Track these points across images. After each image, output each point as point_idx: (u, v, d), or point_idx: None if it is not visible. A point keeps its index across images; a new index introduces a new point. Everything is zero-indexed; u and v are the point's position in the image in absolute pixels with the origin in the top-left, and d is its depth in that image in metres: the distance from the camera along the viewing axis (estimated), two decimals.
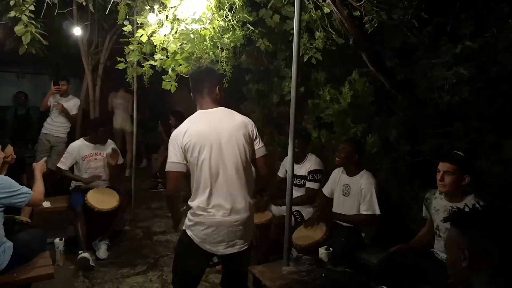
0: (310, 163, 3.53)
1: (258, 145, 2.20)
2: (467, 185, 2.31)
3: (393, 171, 3.26)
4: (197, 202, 2.04)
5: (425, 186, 2.74)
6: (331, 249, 2.70)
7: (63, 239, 3.43)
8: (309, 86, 4.27)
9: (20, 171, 3.96)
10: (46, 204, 3.81)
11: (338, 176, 3.24)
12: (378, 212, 2.93)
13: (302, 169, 3.54)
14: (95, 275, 3.30)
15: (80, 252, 3.42)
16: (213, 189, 2.03)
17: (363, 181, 2.99)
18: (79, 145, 3.91)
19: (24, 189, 2.46)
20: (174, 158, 2.04)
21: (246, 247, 2.12)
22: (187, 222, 2.12)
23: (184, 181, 2.11)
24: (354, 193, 3.04)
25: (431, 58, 2.66)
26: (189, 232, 2.09)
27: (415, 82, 2.87)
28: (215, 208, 2.02)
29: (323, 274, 0.68)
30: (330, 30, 2.65)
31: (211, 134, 2.04)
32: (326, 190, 3.35)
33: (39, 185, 2.65)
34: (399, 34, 2.85)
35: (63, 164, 3.87)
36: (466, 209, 1.53)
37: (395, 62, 3.14)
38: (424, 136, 3.03)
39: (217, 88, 2.16)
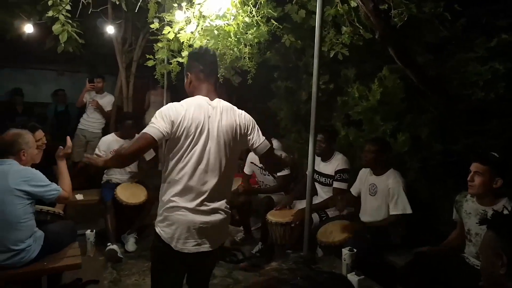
0: (337, 162, 3.45)
1: (258, 141, 2.01)
2: (499, 188, 2.18)
3: (424, 171, 3.14)
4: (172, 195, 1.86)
5: (458, 187, 2.61)
6: (355, 250, 2.63)
7: (94, 231, 3.55)
8: (338, 83, 4.18)
9: (53, 162, 4.14)
10: (79, 196, 3.96)
11: (365, 175, 3.16)
12: (409, 211, 2.83)
13: (328, 168, 3.47)
14: (123, 267, 3.39)
15: (108, 244, 3.53)
16: (193, 184, 1.84)
17: (391, 181, 2.89)
18: (110, 140, 4.04)
19: (54, 186, 2.53)
20: (158, 125, 1.79)
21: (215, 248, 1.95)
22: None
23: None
24: (380, 192, 2.95)
25: (465, 52, 2.53)
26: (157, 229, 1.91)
27: (447, 78, 2.73)
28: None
29: (304, 275, 0.64)
30: (357, 24, 2.57)
31: (210, 126, 1.86)
32: (354, 190, 3.28)
33: (65, 182, 2.63)
34: (431, 28, 2.73)
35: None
36: (505, 212, 1.43)
37: (427, 58, 3.01)
38: (457, 134, 2.89)
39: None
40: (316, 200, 3.53)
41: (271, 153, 2.07)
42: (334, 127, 3.83)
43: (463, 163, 2.49)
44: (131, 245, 3.70)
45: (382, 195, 2.94)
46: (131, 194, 3.76)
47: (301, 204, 3.55)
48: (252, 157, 4.02)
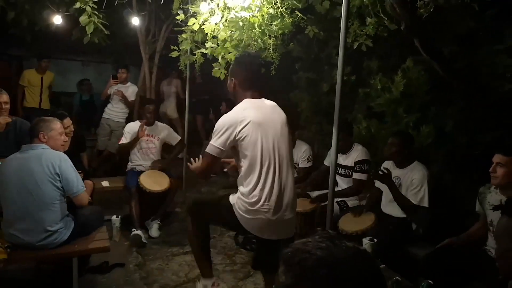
0: (357, 153, 3.46)
1: None
2: None
3: (449, 163, 3.11)
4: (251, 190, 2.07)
5: (483, 180, 2.59)
6: (375, 240, 2.65)
7: (120, 216, 3.66)
8: (361, 75, 4.16)
9: (80, 149, 4.29)
10: (105, 183, 4.09)
11: (388, 168, 3.15)
12: (425, 204, 2.83)
13: (348, 160, 3.48)
14: (147, 252, 3.51)
15: (133, 229, 3.64)
16: (267, 179, 2.05)
17: (416, 173, 2.89)
18: (134, 126, 4.15)
19: (81, 181, 2.65)
20: (218, 143, 2.04)
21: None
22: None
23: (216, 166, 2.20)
24: (404, 185, 2.94)
25: (493, 44, 2.48)
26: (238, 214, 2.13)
27: (474, 70, 2.70)
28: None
29: (324, 247, 0.69)
30: (382, 15, 2.56)
31: (268, 124, 2.06)
32: (378, 182, 3.27)
33: (88, 190, 2.83)
34: (458, 19, 2.68)
35: (123, 141, 4.12)
36: None
37: (453, 49, 2.97)
38: (483, 127, 2.85)
39: None
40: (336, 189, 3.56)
41: None
42: (347, 120, 3.82)
43: (489, 155, 2.47)
44: (154, 231, 3.82)
45: (405, 187, 2.93)
46: (154, 181, 3.86)
47: (315, 194, 3.59)
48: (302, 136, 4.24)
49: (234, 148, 2.09)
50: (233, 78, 2.15)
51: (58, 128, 2.72)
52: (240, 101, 2.14)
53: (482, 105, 2.78)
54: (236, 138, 2.01)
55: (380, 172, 3.00)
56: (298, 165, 3.99)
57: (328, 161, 3.78)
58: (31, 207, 2.43)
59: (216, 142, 2.03)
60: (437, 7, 2.34)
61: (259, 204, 2.05)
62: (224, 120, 2.06)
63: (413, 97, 3.28)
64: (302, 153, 3.99)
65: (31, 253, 2.50)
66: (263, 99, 2.16)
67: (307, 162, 3.96)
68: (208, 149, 2.05)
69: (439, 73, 2.82)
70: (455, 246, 2.51)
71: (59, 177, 2.50)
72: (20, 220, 2.44)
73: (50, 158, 2.49)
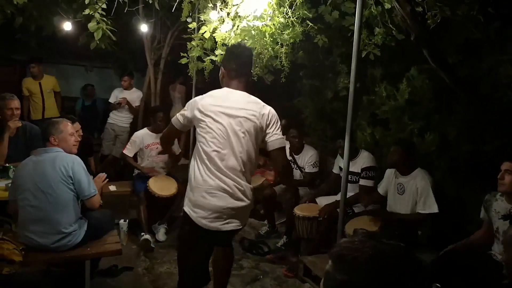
0: (364, 159, 3.53)
1: (273, 137, 2.15)
2: None
3: (452, 171, 3.18)
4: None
5: (486, 187, 2.66)
6: None
7: (127, 220, 3.71)
8: (364, 82, 4.24)
9: (88, 154, 4.33)
10: (112, 188, 4.14)
11: (392, 175, 3.22)
12: (436, 210, 2.89)
13: (355, 166, 3.55)
14: (155, 255, 3.55)
15: (142, 234, 3.68)
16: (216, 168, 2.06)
17: (419, 180, 2.95)
18: (143, 134, 4.19)
19: (93, 185, 2.68)
20: (179, 117, 2.20)
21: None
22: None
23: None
24: (408, 191, 3.00)
25: (497, 54, 2.57)
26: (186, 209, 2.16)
27: (479, 80, 2.78)
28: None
29: (370, 245, 0.78)
30: (391, 26, 2.64)
31: (230, 116, 2.07)
32: (381, 189, 3.34)
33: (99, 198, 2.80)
34: (462, 29, 2.77)
35: (129, 151, 4.16)
36: None
37: (458, 59, 3.05)
38: (486, 135, 2.93)
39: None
40: None
41: (281, 152, 2.21)
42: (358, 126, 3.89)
43: (491, 164, 2.54)
44: (161, 235, 3.86)
45: (410, 194, 2.99)
46: (162, 186, 3.91)
47: (326, 200, 3.65)
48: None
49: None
50: (222, 68, 2.23)
51: (69, 129, 2.75)
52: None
53: (485, 114, 2.86)
54: (193, 120, 2.15)
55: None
56: (304, 169, 4.06)
57: (336, 169, 3.86)
58: (46, 209, 2.47)
59: (179, 115, 2.22)
60: (444, 18, 2.43)
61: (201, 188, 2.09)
62: (191, 101, 2.23)
63: (418, 105, 3.36)
64: (308, 158, 4.06)
65: (45, 255, 2.53)
66: (244, 93, 2.16)
67: (313, 167, 4.03)
68: (172, 119, 2.25)
69: (444, 82, 2.90)
70: (458, 252, 2.57)
71: (72, 180, 2.54)
72: (35, 222, 2.47)
73: (63, 161, 2.54)
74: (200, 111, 2.10)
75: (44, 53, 6.65)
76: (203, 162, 2.10)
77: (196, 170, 2.13)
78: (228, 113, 2.08)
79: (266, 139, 2.16)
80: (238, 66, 2.16)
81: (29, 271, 2.83)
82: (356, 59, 2.03)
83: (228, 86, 2.18)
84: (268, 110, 2.17)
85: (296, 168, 4.16)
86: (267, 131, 2.15)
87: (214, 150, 2.06)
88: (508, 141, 2.70)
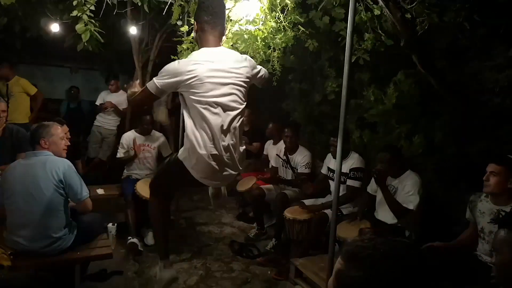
0: (353, 160, 3.59)
1: (261, 73, 2.25)
2: None
3: (438, 172, 3.26)
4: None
5: (471, 189, 2.74)
6: None
7: (116, 224, 3.67)
8: (351, 86, 4.30)
9: (75, 157, 4.28)
10: (100, 191, 4.09)
11: None
12: (411, 207, 2.93)
13: (344, 166, 3.58)
14: (144, 259, 3.52)
15: (129, 237, 3.65)
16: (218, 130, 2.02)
17: (409, 180, 3.01)
18: (130, 136, 4.17)
19: (85, 187, 2.67)
20: (160, 84, 1.98)
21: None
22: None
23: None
24: (399, 193, 3.06)
25: (483, 60, 2.65)
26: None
27: (465, 84, 2.87)
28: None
29: (380, 242, 0.83)
30: (380, 31, 2.70)
31: (222, 75, 2.01)
32: (370, 189, 3.39)
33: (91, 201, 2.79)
34: (447, 35, 2.85)
35: (120, 153, 4.13)
36: None
37: (442, 64, 3.14)
38: (471, 138, 3.02)
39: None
40: (329, 198, 3.68)
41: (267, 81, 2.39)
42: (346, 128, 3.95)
43: (476, 166, 2.62)
44: (150, 238, 3.83)
45: (400, 195, 3.05)
46: None
47: (308, 202, 3.70)
48: (275, 150, 4.40)
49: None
50: (195, 22, 2.13)
51: (59, 133, 2.73)
52: (202, 46, 2.11)
53: (471, 118, 2.94)
54: (179, 88, 2.00)
55: (374, 175, 3.11)
56: (297, 169, 4.10)
57: (324, 170, 3.91)
58: (35, 213, 2.43)
59: (159, 82, 1.99)
60: (431, 25, 2.50)
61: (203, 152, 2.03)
62: (173, 67, 2.01)
63: (405, 109, 3.43)
64: (302, 159, 4.13)
65: (34, 259, 2.50)
66: (222, 47, 2.13)
67: (305, 168, 4.08)
68: (149, 85, 2.02)
69: (430, 86, 2.98)
70: (444, 250, 2.63)
71: (63, 184, 2.51)
72: (24, 227, 2.44)
73: (54, 165, 2.51)
74: (188, 77, 1.97)
75: (28, 54, 6.55)
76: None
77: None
78: (220, 82, 2.03)
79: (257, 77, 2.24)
80: (211, 17, 2.06)
81: (17, 276, 2.79)
82: (349, 63, 2.07)
83: (204, 42, 2.10)
84: (248, 58, 2.20)
85: (288, 168, 4.20)
86: (257, 75, 2.23)
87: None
88: (493, 144, 2.78)
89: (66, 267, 2.66)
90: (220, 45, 2.13)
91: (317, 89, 4.63)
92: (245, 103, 2.16)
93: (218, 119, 2.03)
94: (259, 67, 2.26)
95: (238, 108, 2.11)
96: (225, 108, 2.06)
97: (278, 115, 5.18)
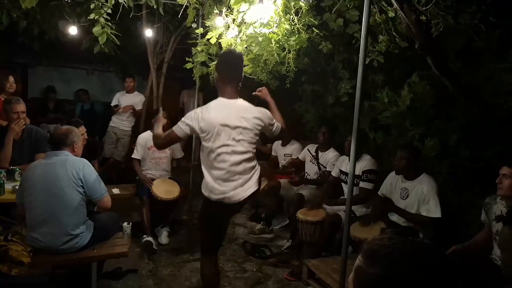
0: (365, 162, 3.59)
1: (274, 128, 2.50)
2: None
3: (452, 175, 3.24)
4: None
5: (485, 192, 2.72)
6: None
7: (130, 223, 3.73)
8: (365, 88, 4.29)
9: (92, 157, 4.35)
10: (116, 190, 4.17)
11: (395, 180, 3.25)
12: (439, 215, 2.92)
13: (356, 168, 3.58)
14: (158, 258, 3.57)
15: (144, 236, 3.71)
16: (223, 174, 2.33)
17: (425, 185, 2.99)
18: (147, 137, 4.23)
19: (103, 185, 2.72)
20: (183, 127, 2.33)
21: None
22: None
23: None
24: (413, 196, 3.03)
25: (498, 62, 2.64)
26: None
27: (479, 86, 2.85)
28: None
29: (400, 241, 0.85)
30: (394, 33, 2.70)
31: (233, 122, 2.29)
32: (381, 192, 3.38)
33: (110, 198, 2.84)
34: (462, 37, 2.84)
35: (136, 154, 4.19)
36: None
37: (457, 66, 3.12)
38: (486, 141, 2.99)
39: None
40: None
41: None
42: (362, 132, 3.95)
43: (491, 169, 2.60)
44: (164, 238, 3.88)
45: (414, 198, 3.02)
46: (166, 190, 3.94)
47: (328, 207, 3.71)
48: (302, 148, 4.54)
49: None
50: (216, 73, 2.43)
51: (80, 136, 2.83)
52: (220, 95, 2.41)
53: (485, 120, 2.92)
54: (197, 131, 2.32)
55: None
56: (325, 167, 4.19)
57: (335, 172, 3.91)
58: (55, 211, 2.49)
59: (182, 125, 2.33)
60: (446, 27, 2.50)
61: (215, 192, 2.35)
62: (192, 113, 2.35)
63: (419, 111, 3.42)
64: (332, 157, 4.19)
65: (52, 257, 2.55)
66: (238, 99, 2.40)
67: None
68: (175, 128, 2.36)
69: (445, 88, 2.96)
70: (460, 254, 2.61)
71: (82, 182, 2.57)
72: (43, 224, 2.50)
73: (74, 164, 2.57)
74: (203, 123, 2.30)
75: (45, 56, 6.70)
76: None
77: None
78: (229, 124, 2.31)
79: (271, 130, 2.52)
80: (230, 71, 2.36)
81: (34, 273, 2.86)
82: (363, 65, 2.08)
83: (222, 90, 2.39)
84: (263, 111, 2.46)
85: (315, 164, 4.25)
86: (269, 127, 2.49)
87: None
88: (508, 147, 2.76)
89: (83, 264, 2.71)
90: (237, 96, 2.41)
91: (330, 91, 4.63)
92: (254, 147, 2.44)
93: (226, 162, 2.32)
94: (274, 121, 2.51)
95: (246, 152, 2.37)
96: (234, 152, 2.33)
97: (291, 117, 5.20)
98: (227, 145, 2.30)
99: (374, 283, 0.82)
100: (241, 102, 2.41)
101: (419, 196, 3.00)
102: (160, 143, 2.50)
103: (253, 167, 2.43)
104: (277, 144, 4.91)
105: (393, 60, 3.73)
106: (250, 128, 2.34)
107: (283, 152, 4.70)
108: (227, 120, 2.29)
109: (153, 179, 4.06)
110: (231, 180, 2.34)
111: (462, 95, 2.73)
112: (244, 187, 2.38)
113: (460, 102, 3.05)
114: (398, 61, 3.77)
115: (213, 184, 2.35)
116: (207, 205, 2.43)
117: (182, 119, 2.36)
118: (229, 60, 2.39)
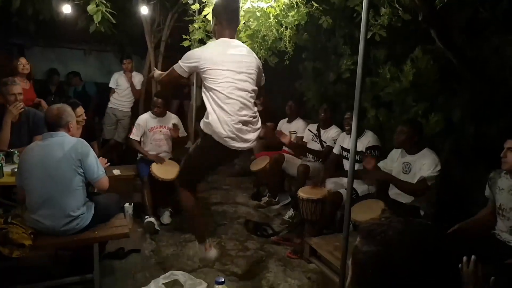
0: (368, 139, 3.55)
1: (262, 74, 2.56)
2: None
3: (456, 152, 3.20)
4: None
5: (490, 168, 2.68)
6: None
7: (132, 204, 3.73)
8: (367, 64, 4.20)
9: (91, 138, 4.32)
10: (116, 172, 4.15)
11: (397, 155, 3.22)
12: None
13: (359, 145, 3.53)
14: (160, 238, 3.59)
15: (146, 217, 3.72)
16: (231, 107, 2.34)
17: (427, 158, 2.95)
18: (146, 118, 4.19)
19: (101, 166, 2.70)
20: (185, 66, 2.36)
21: None
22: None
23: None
24: (415, 170, 3.00)
25: (504, 35, 2.55)
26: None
27: (485, 60, 2.77)
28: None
29: (397, 220, 0.86)
30: (397, 6, 2.61)
31: (230, 62, 2.32)
32: (381, 165, 3.33)
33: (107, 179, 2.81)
34: (467, 8, 2.74)
35: (135, 135, 4.16)
36: None
37: (462, 39, 3.03)
38: (491, 117, 2.93)
39: None
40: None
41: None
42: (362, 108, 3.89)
43: (496, 145, 2.55)
44: (166, 218, 3.89)
45: (416, 172, 2.99)
46: (165, 170, 3.92)
47: (331, 184, 3.69)
48: (308, 125, 4.56)
49: None
50: (214, 18, 2.46)
51: (74, 115, 2.79)
52: (219, 37, 2.44)
53: (490, 95, 2.85)
54: (200, 70, 2.34)
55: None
56: (326, 143, 4.21)
57: (337, 149, 3.87)
58: (54, 192, 2.48)
59: (183, 65, 2.37)
60: None
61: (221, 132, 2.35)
62: (194, 53, 2.39)
63: (422, 87, 3.34)
64: (333, 134, 4.20)
65: (54, 239, 2.55)
66: (236, 40, 2.47)
67: (334, 143, 4.08)
68: (176, 66, 2.40)
69: (449, 63, 2.89)
70: (464, 230, 2.60)
71: (80, 163, 2.55)
72: (43, 206, 2.49)
73: (71, 145, 2.54)
74: (204, 61, 2.32)
75: (41, 37, 6.57)
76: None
77: None
78: (231, 69, 2.34)
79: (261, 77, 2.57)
80: (228, 15, 2.41)
81: (37, 255, 2.87)
82: (364, 40, 2.01)
83: (221, 35, 2.43)
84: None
85: (317, 142, 4.28)
86: (261, 73, 2.55)
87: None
88: (511, 123, 2.70)
89: (84, 246, 2.72)
90: (234, 38, 2.45)
91: (332, 67, 4.55)
92: (256, 87, 2.47)
93: (233, 98, 2.34)
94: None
95: (251, 88, 2.41)
96: (240, 88, 2.36)
97: (292, 95, 5.12)
98: (232, 81, 2.34)
99: (369, 261, 0.82)
100: (240, 43, 2.48)
101: (420, 169, 2.96)
102: (163, 80, 2.59)
103: (256, 116, 2.48)
104: (282, 122, 4.90)
105: (396, 34, 3.63)
106: (250, 63, 2.40)
107: (288, 128, 4.68)
108: (229, 56, 2.34)
109: (153, 160, 4.03)
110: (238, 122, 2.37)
111: (467, 70, 2.65)
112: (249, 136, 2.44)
113: (465, 77, 2.97)
114: (401, 35, 3.66)
115: (218, 125, 2.34)
116: (208, 140, 2.43)
117: (181, 59, 2.40)
118: (227, 3, 2.43)
